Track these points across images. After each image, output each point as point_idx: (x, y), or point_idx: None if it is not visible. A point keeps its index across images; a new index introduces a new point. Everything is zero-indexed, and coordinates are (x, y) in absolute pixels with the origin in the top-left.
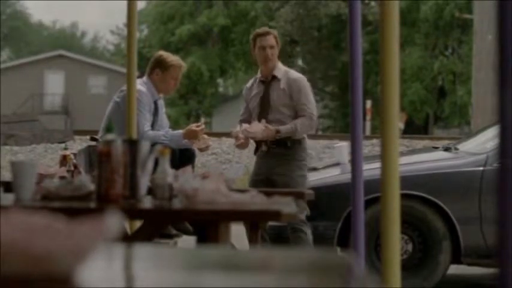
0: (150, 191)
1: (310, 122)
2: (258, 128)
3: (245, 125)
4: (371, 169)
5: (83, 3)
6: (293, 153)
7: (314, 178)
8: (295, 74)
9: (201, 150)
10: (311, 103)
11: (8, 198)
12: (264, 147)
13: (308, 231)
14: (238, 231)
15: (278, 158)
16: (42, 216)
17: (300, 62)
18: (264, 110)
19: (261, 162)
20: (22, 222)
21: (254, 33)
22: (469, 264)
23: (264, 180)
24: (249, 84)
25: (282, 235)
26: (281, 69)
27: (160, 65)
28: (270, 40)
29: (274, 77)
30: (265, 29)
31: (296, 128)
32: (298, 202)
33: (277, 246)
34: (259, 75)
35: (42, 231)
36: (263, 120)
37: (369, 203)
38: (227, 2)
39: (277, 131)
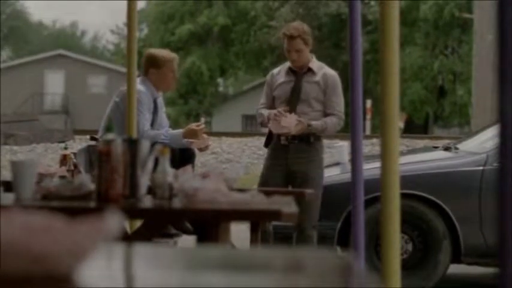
0: (150, 191)
1: (338, 122)
2: (292, 120)
3: (276, 116)
4: (371, 168)
5: (83, 3)
6: (314, 149)
7: None
8: (331, 70)
9: (200, 149)
10: (342, 102)
11: (8, 198)
12: (283, 141)
13: (315, 236)
14: (238, 232)
15: (299, 153)
16: (42, 215)
17: None
18: (293, 100)
19: (278, 154)
20: (22, 222)
21: (284, 30)
22: (469, 264)
23: (283, 171)
24: (276, 71)
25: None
26: (315, 63)
27: (154, 63)
28: (296, 45)
29: (309, 69)
30: (293, 30)
31: (326, 126)
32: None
33: (282, 246)
34: (289, 63)
35: (42, 230)
36: (293, 114)
37: (369, 203)
38: (227, 2)
39: (309, 125)
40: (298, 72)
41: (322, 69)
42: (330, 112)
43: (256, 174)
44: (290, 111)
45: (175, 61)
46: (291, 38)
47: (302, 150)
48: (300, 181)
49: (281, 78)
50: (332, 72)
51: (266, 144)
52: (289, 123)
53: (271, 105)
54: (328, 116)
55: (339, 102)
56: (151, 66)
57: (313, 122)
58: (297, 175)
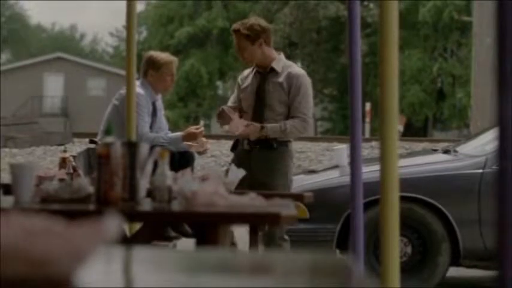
0: (149, 194)
1: (302, 125)
2: (238, 125)
3: (222, 114)
4: (370, 171)
5: (82, 6)
6: (278, 156)
7: (313, 180)
8: (296, 69)
9: (199, 152)
10: (308, 104)
11: (7, 201)
12: (246, 146)
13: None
14: (239, 235)
15: (262, 161)
16: (41, 218)
17: (299, 64)
18: (257, 104)
19: (242, 161)
20: (21, 225)
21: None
22: (468, 267)
23: (246, 179)
24: (246, 72)
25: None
26: (281, 62)
27: (153, 65)
28: (237, 41)
29: (272, 70)
30: (237, 25)
31: (285, 128)
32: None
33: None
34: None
35: (42, 233)
36: (241, 118)
37: (368, 206)
38: (226, 4)
39: (262, 128)
40: (262, 74)
41: (287, 69)
42: (294, 114)
43: None
44: (254, 116)
45: (174, 64)
46: (234, 33)
47: (265, 157)
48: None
49: (248, 80)
50: (298, 72)
51: (232, 149)
52: (236, 127)
53: (238, 107)
54: (291, 118)
55: (304, 104)
56: (150, 68)
57: (268, 125)
58: (260, 185)
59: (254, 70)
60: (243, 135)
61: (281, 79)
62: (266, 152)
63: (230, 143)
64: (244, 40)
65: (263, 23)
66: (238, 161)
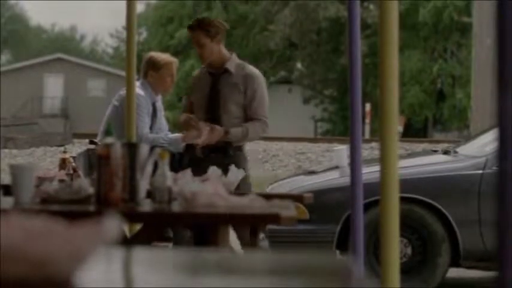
0: (149, 194)
1: (263, 128)
2: (204, 132)
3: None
4: (370, 172)
5: (81, 7)
6: (234, 162)
7: (313, 181)
8: (251, 68)
9: None
10: (266, 105)
11: (7, 202)
12: (199, 153)
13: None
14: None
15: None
16: (41, 219)
17: (299, 65)
18: (211, 108)
19: (194, 170)
20: (21, 226)
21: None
22: (468, 268)
23: None
24: (196, 73)
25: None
26: (234, 61)
27: (153, 66)
28: (196, 37)
29: (226, 70)
30: (194, 21)
31: (247, 132)
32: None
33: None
34: (201, 62)
35: (42, 234)
36: (204, 123)
37: (368, 206)
38: (226, 5)
39: (226, 133)
40: (215, 74)
41: (242, 69)
42: (253, 117)
43: (254, 178)
44: (208, 120)
45: (175, 65)
46: (190, 29)
47: (220, 164)
48: None
49: (199, 81)
50: (254, 73)
51: (185, 151)
52: (198, 135)
53: (190, 110)
54: (250, 121)
55: (262, 106)
56: (150, 68)
57: (232, 129)
58: None
59: (205, 71)
60: (209, 143)
61: (236, 80)
62: (221, 158)
63: None
64: (204, 37)
65: (220, 20)
66: (192, 168)
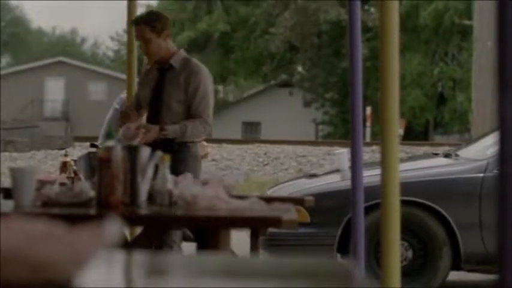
0: (150, 198)
1: (203, 126)
2: (133, 133)
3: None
4: (371, 175)
5: (82, 10)
6: (178, 159)
7: (314, 184)
8: (196, 65)
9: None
10: (209, 103)
11: (8, 205)
12: None
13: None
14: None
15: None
16: (42, 222)
17: (300, 69)
18: (155, 104)
19: (91, 165)
20: (22, 229)
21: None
22: (469, 271)
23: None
24: (147, 68)
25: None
26: (180, 57)
27: None
28: (142, 33)
29: (170, 66)
30: (139, 15)
31: (186, 129)
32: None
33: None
34: (147, 58)
35: (42, 238)
36: (142, 124)
37: (369, 210)
38: (227, 8)
39: (162, 129)
40: (161, 70)
41: (186, 65)
42: (193, 114)
43: (256, 181)
44: (152, 116)
45: None
46: (135, 24)
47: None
48: None
49: (147, 76)
50: (197, 69)
51: None
52: (131, 134)
53: (138, 104)
54: (191, 119)
55: (204, 103)
56: None
57: (168, 126)
58: None
59: (155, 66)
60: (146, 141)
61: (179, 76)
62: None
63: (231, 146)
64: (150, 32)
65: (166, 15)
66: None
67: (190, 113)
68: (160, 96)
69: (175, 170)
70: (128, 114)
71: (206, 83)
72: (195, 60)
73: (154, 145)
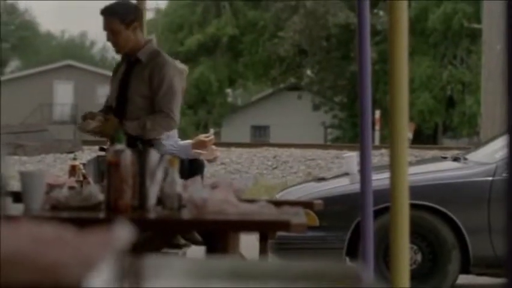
0: (160, 201)
1: (166, 121)
2: (93, 124)
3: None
4: (380, 179)
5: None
6: (146, 158)
7: (323, 188)
8: (163, 58)
9: (209, 160)
10: (173, 98)
11: (17, 209)
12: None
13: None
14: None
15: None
16: (51, 226)
17: (308, 72)
18: (121, 98)
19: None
20: (32, 233)
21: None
22: (478, 274)
23: None
24: (119, 62)
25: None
26: (148, 50)
27: None
28: (110, 24)
29: (137, 60)
30: (109, 5)
31: (145, 125)
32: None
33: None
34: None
35: (52, 241)
36: (99, 116)
37: (378, 213)
38: (236, 12)
39: (121, 123)
40: (129, 63)
41: (153, 59)
42: (156, 109)
43: (264, 184)
44: (117, 110)
45: (184, 72)
46: (104, 15)
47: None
48: None
49: (116, 70)
50: (163, 62)
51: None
52: (88, 123)
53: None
54: (154, 113)
55: (168, 98)
56: None
57: (127, 121)
58: None
59: (123, 58)
60: (97, 132)
61: (145, 70)
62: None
63: (240, 150)
64: (119, 23)
65: (137, 6)
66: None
67: (155, 107)
68: (126, 91)
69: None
70: (93, 115)
71: (172, 76)
72: (164, 53)
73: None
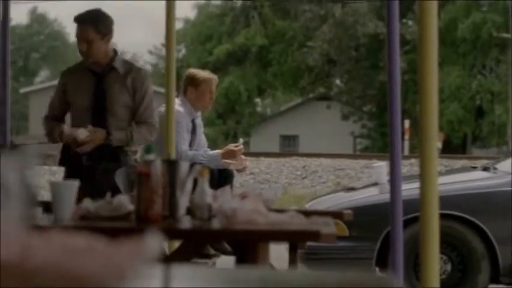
0: (189, 211)
1: (150, 131)
2: (83, 135)
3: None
4: (410, 189)
5: (121, 24)
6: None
7: (352, 198)
8: (142, 69)
9: (238, 170)
10: (153, 107)
11: (48, 219)
12: (86, 161)
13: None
14: (277, 252)
15: (107, 175)
16: (82, 236)
17: (337, 82)
18: (97, 109)
19: (80, 178)
20: (63, 243)
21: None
22: (508, 284)
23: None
24: (71, 71)
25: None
26: (120, 59)
27: (193, 82)
28: (85, 32)
29: (112, 68)
30: (84, 14)
31: (132, 136)
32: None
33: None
34: (85, 59)
35: (83, 251)
36: (89, 126)
37: (407, 223)
38: (265, 22)
39: (109, 134)
40: (99, 73)
41: (129, 69)
42: (140, 120)
43: (293, 194)
44: (93, 122)
45: (214, 82)
46: (80, 22)
47: (113, 171)
48: None
49: (77, 80)
50: (142, 73)
51: (62, 162)
52: (80, 133)
53: (63, 110)
54: (137, 124)
55: (150, 108)
56: (190, 84)
57: (115, 132)
58: None
59: (85, 68)
60: (85, 141)
61: (124, 80)
62: (112, 165)
63: (269, 160)
64: (94, 33)
65: (110, 17)
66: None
67: (135, 119)
68: (103, 101)
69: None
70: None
71: (151, 87)
72: (135, 64)
73: (100, 157)
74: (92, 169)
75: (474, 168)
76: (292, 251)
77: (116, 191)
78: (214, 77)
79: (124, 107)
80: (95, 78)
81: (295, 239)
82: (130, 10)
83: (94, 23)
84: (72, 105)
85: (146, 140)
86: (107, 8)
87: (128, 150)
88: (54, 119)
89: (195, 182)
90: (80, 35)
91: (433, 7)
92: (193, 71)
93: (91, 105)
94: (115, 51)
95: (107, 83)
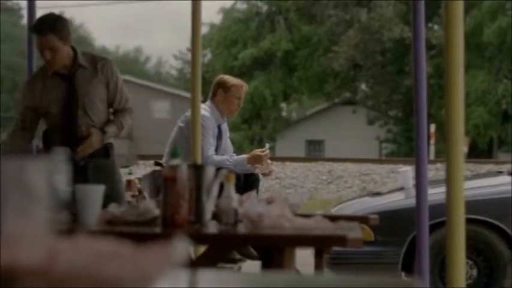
0: (215, 216)
1: (131, 116)
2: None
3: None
4: (436, 193)
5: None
6: (112, 163)
7: (378, 203)
8: (104, 57)
9: (264, 175)
10: (125, 90)
11: (74, 223)
12: (80, 162)
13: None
14: (303, 257)
15: (101, 172)
16: (109, 241)
17: (363, 86)
18: (73, 108)
19: (74, 178)
20: (90, 247)
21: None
22: None
23: None
24: (33, 76)
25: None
26: (81, 55)
27: (223, 85)
28: (49, 42)
29: (80, 66)
30: (41, 23)
31: (122, 127)
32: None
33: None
34: (50, 67)
35: (110, 256)
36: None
37: (433, 228)
38: (290, 27)
39: (104, 132)
40: (66, 75)
41: (94, 62)
42: (120, 108)
43: (319, 199)
44: (66, 126)
45: (244, 88)
46: (40, 33)
47: (103, 168)
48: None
49: (46, 88)
50: (107, 63)
51: None
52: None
53: (35, 121)
54: (119, 113)
55: (124, 94)
56: (220, 87)
57: (107, 128)
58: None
59: (50, 75)
60: (91, 147)
61: (96, 74)
62: (103, 161)
63: (295, 165)
64: (57, 40)
65: (64, 17)
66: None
67: (114, 106)
68: (80, 102)
69: (113, 177)
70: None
71: (118, 72)
72: (96, 55)
73: (91, 155)
74: (83, 167)
75: (500, 172)
76: (318, 256)
77: (108, 188)
78: (244, 84)
79: (101, 100)
80: (64, 81)
81: (321, 244)
82: (158, 13)
83: (54, 30)
84: (46, 113)
85: (129, 126)
86: (137, 9)
87: (112, 143)
88: (24, 131)
89: (221, 187)
90: (42, 44)
91: (459, 7)
92: (224, 76)
93: (67, 109)
94: (73, 49)
95: (78, 82)
